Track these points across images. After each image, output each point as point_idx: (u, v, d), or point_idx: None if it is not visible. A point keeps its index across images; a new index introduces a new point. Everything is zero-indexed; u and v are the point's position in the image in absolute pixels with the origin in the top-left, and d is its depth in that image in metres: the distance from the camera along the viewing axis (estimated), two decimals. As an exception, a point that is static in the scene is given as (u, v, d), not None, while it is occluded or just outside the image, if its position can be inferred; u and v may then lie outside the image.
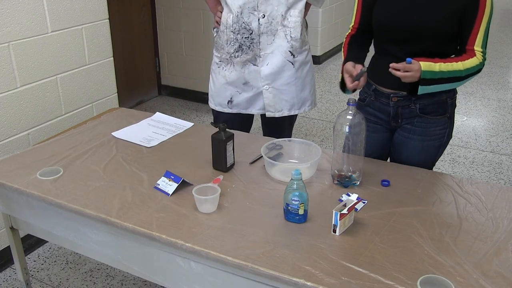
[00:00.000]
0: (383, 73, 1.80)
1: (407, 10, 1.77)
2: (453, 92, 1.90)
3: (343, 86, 1.91)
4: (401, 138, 1.95)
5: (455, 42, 1.81)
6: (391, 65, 1.71)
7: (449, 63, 1.73)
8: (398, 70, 1.70)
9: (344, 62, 1.88)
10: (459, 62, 1.74)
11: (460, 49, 1.80)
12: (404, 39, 1.80)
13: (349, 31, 2.02)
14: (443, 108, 1.88)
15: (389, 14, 1.83)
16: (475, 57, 1.75)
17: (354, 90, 1.83)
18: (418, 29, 1.75)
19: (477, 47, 1.75)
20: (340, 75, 1.90)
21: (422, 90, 1.74)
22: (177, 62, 4.68)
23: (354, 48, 1.97)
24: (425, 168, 1.87)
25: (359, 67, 1.79)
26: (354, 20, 1.99)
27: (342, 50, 2.00)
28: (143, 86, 4.73)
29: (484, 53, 1.76)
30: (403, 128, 1.93)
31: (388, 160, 2.08)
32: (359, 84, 1.79)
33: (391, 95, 1.88)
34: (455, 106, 1.93)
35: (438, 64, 1.71)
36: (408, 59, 1.68)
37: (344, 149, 1.70)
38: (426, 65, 1.69)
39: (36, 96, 2.43)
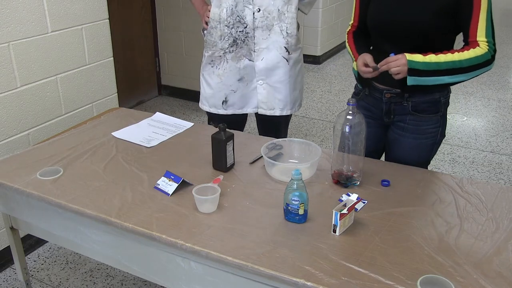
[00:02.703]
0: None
1: (399, 7, 1.78)
2: (447, 90, 1.89)
3: (359, 78, 1.93)
4: (394, 136, 1.96)
5: (450, 39, 1.80)
6: (378, 65, 1.74)
7: (441, 55, 1.70)
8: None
9: (357, 55, 1.88)
10: (455, 53, 1.70)
11: (464, 44, 1.78)
12: (397, 36, 1.80)
13: (349, 28, 2.03)
14: (435, 107, 1.87)
15: (382, 12, 1.83)
16: (478, 47, 1.70)
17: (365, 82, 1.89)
18: (410, 27, 1.76)
19: (480, 38, 1.70)
20: (354, 63, 1.91)
21: (411, 80, 1.71)
22: (177, 62, 4.68)
23: (361, 43, 1.97)
24: (419, 167, 1.87)
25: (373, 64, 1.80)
26: (353, 19, 2.01)
27: (348, 46, 1.99)
28: (143, 86, 4.73)
29: (490, 43, 1.71)
30: (396, 125, 1.94)
31: (383, 157, 2.08)
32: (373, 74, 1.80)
33: (385, 91, 1.89)
34: (448, 105, 1.92)
35: (428, 56, 1.70)
36: (391, 54, 1.71)
37: (344, 149, 1.70)
38: (412, 56, 1.69)
39: (36, 96, 2.43)
